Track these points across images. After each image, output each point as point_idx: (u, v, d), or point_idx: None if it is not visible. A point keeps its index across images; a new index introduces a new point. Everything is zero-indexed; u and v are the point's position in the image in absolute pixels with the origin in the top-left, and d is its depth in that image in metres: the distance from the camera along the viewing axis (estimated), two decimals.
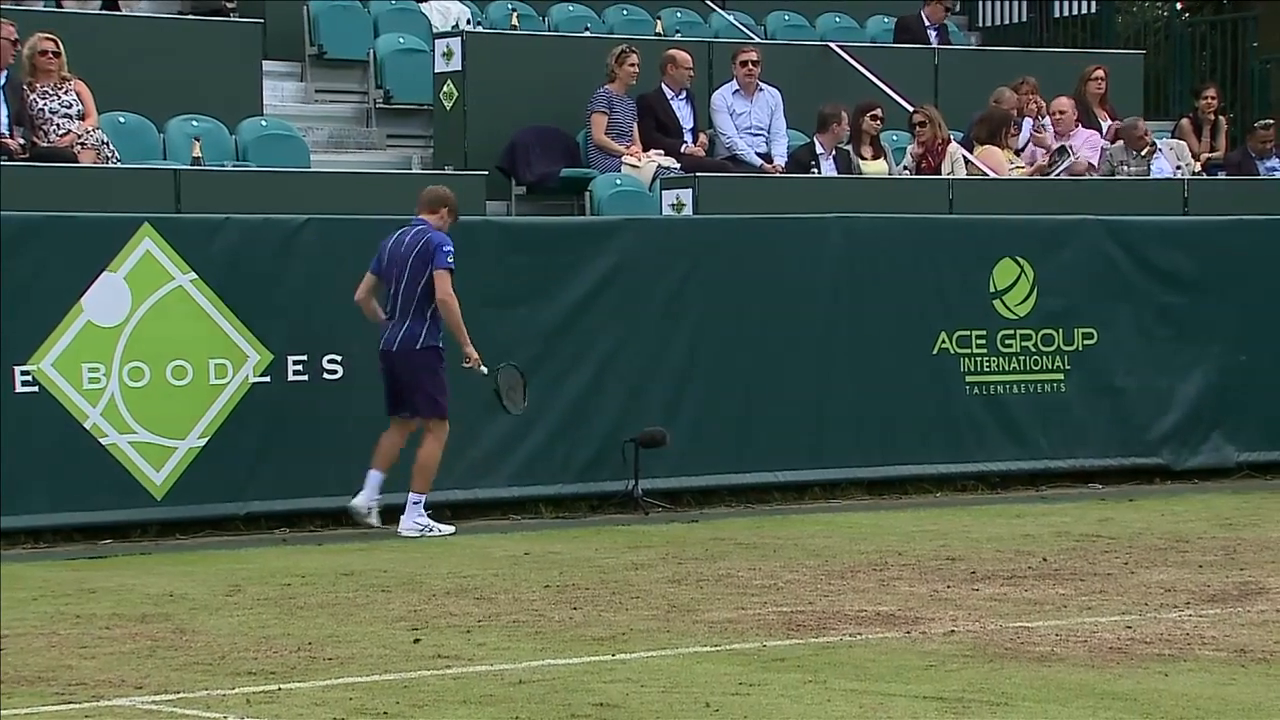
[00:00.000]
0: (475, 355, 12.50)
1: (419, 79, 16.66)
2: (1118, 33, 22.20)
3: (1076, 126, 17.55)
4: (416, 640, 8.48)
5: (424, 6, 17.67)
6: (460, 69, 16.14)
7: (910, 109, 17.07)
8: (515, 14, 17.73)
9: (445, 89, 16.23)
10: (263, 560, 11.34)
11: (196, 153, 14.31)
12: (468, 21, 17.39)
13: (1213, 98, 19.08)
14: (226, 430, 12.63)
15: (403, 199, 14.17)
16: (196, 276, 12.63)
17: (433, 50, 16.45)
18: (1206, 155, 18.80)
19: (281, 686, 7.49)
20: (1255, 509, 13.43)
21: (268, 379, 12.76)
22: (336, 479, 12.90)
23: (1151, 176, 17.43)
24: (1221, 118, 19.25)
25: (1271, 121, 18.97)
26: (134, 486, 12.38)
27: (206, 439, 12.58)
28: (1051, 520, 12.89)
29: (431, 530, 12.47)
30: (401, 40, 17.15)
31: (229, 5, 17.09)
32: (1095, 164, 17.37)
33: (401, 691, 7.38)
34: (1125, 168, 17.48)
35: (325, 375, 12.94)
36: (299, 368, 12.87)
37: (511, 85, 16.23)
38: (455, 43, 16.26)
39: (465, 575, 10.54)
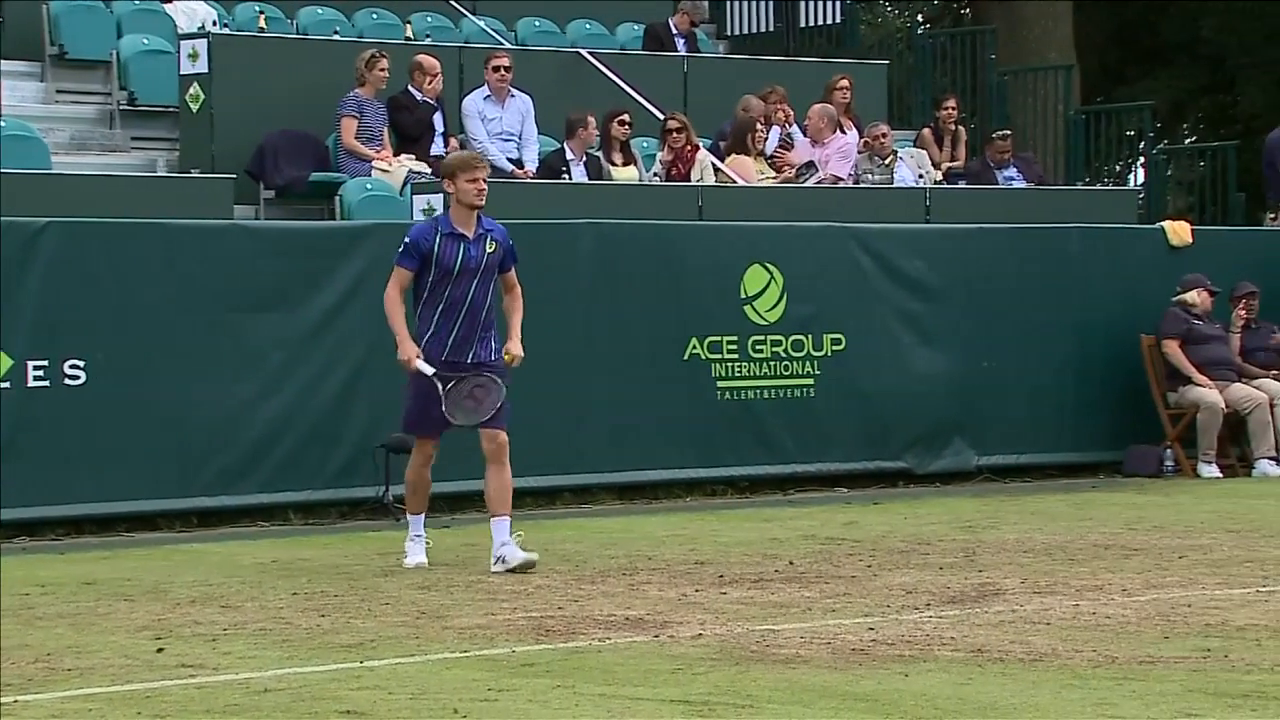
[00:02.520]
0: (409, 353, 10.67)
1: (164, 81, 16.41)
2: (862, 43, 22.58)
3: (835, 133, 17.79)
4: (160, 649, 8.35)
5: (169, 7, 17.40)
6: (207, 71, 15.92)
7: (660, 116, 17.20)
8: (263, 16, 17.53)
9: (191, 91, 16.00)
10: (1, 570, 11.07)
11: None
12: (214, 23, 17.15)
13: (953, 108, 19.48)
14: None
15: (147, 202, 13.98)
16: None
17: (178, 52, 16.21)
18: (947, 164, 19.21)
19: (18, 699, 7.32)
20: (994, 512, 13.73)
21: (7, 384, 12.49)
22: (79, 485, 12.67)
23: (895, 185, 17.76)
24: (961, 128, 19.67)
25: (1009, 132, 19.44)
26: None
27: None
28: (798, 524, 13.06)
29: (405, 558, 10.96)
30: (146, 41, 16.87)
31: None
32: (842, 175, 17.63)
33: (144, 702, 7.26)
34: (869, 176, 17.79)
35: (67, 380, 12.69)
36: (40, 373, 12.61)
37: (259, 88, 16.06)
38: (201, 44, 16.05)
39: (211, 584, 10.40)
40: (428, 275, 10.69)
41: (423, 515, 11.14)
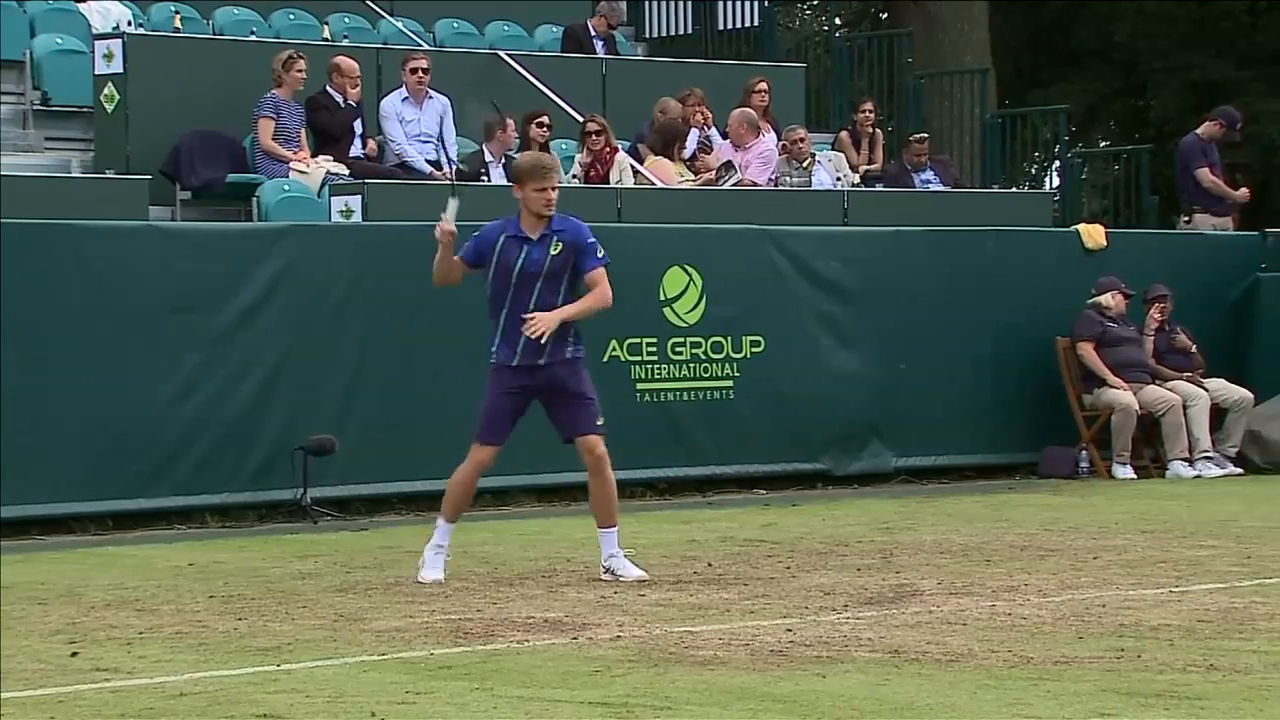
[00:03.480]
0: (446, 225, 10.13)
1: (78, 81, 16.29)
2: (779, 45, 22.65)
3: (756, 137, 17.83)
4: (74, 654, 8.28)
5: (83, 7, 17.27)
6: (121, 71, 15.82)
7: (579, 118, 17.20)
8: (178, 16, 17.43)
9: (106, 91, 15.89)
10: None
11: None
12: (129, 23, 17.04)
13: (870, 111, 19.57)
14: None
15: (61, 203, 13.88)
16: None
17: (93, 52, 16.10)
18: (865, 167, 19.29)
19: None
20: (911, 513, 13.80)
21: None
22: None
23: (813, 187, 17.82)
24: (878, 131, 19.76)
25: (926, 135, 19.54)
26: None
27: None
28: (717, 526, 13.08)
29: (420, 569, 10.26)
30: (60, 41, 16.74)
31: None
32: (761, 181, 17.66)
33: (57, 706, 7.20)
34: (788, 179, 17.84)
35: None
36: None
37: (175, 88, 15.96)
38: (116, 44, 15.94)
39: (126, 587, 10.32)
40: (488, 275, 10.21)
41: (453, 526, 10.37)
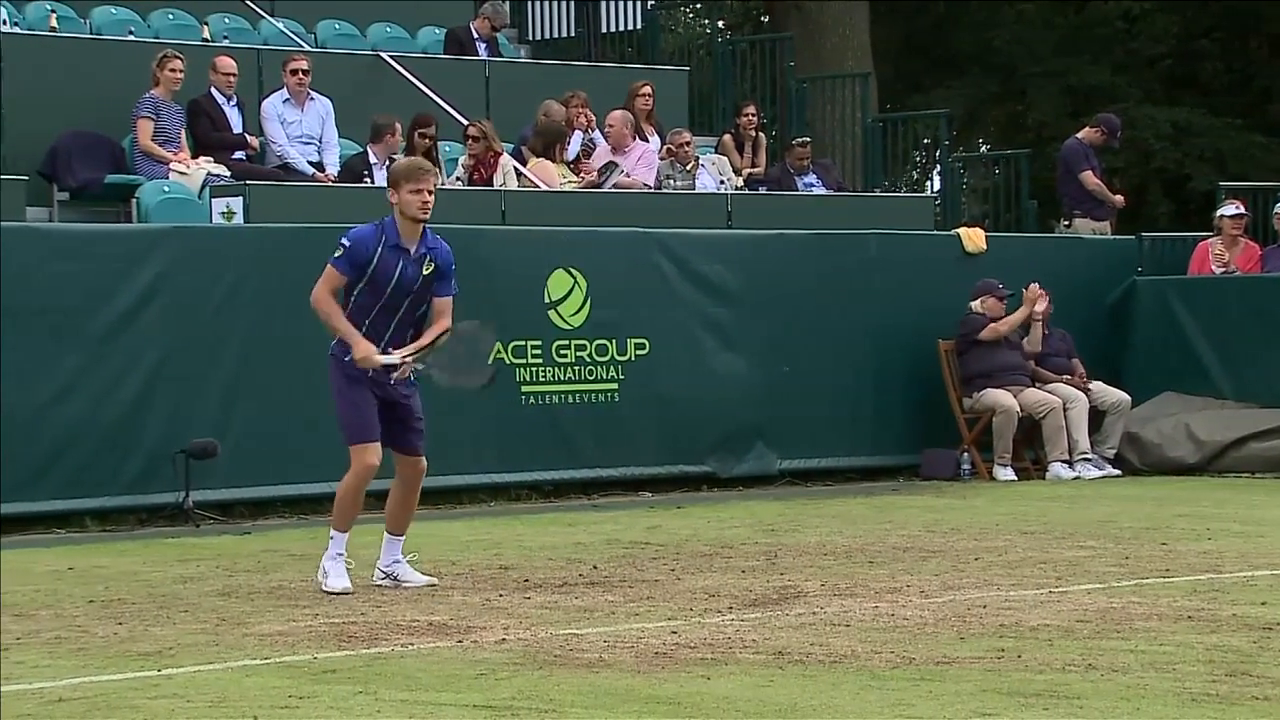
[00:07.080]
0: (366, 350, 9.77)
1: None
2: (663, 49, 22.70)
3: (634, 140, 17.85)
4: None
5: None
6: None
7: (464, 121, 17.16)
8: (54, 15, 17.22)
9: None
10: None
11: None
12: (4, 22, 16.82)
13: (753, 115, 19.65)
14: None
15: None
16: None
17: None
18: (748, 171, 19.37)
19: None
20: (795, 515, 13.86)
21: None
22: None
23: (697, 191, 17.88)
24: (761, 134, 19.85)
25: (808, 139, 19.64)
26: None
27: None
28: (603, 528, 13.09)
29: (326, 579, 10.06)
30: None
31: None
32: (650, 183, 17.69)
33: None
34: (671, 182, 17.89)
35: None
36: None
37: (52, 88, 15.79)
38: None
39: (4, 592, 10.19)
40: (357, 285, 9.86)
41: (347, 534, 10.14)
